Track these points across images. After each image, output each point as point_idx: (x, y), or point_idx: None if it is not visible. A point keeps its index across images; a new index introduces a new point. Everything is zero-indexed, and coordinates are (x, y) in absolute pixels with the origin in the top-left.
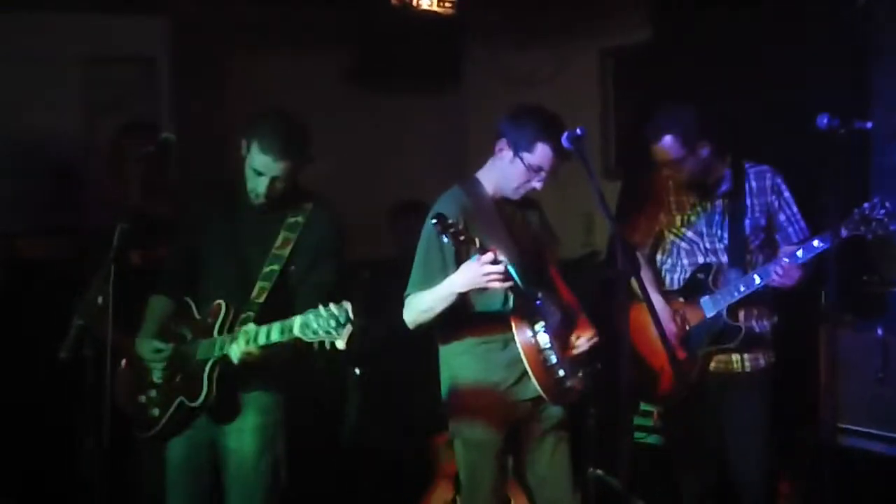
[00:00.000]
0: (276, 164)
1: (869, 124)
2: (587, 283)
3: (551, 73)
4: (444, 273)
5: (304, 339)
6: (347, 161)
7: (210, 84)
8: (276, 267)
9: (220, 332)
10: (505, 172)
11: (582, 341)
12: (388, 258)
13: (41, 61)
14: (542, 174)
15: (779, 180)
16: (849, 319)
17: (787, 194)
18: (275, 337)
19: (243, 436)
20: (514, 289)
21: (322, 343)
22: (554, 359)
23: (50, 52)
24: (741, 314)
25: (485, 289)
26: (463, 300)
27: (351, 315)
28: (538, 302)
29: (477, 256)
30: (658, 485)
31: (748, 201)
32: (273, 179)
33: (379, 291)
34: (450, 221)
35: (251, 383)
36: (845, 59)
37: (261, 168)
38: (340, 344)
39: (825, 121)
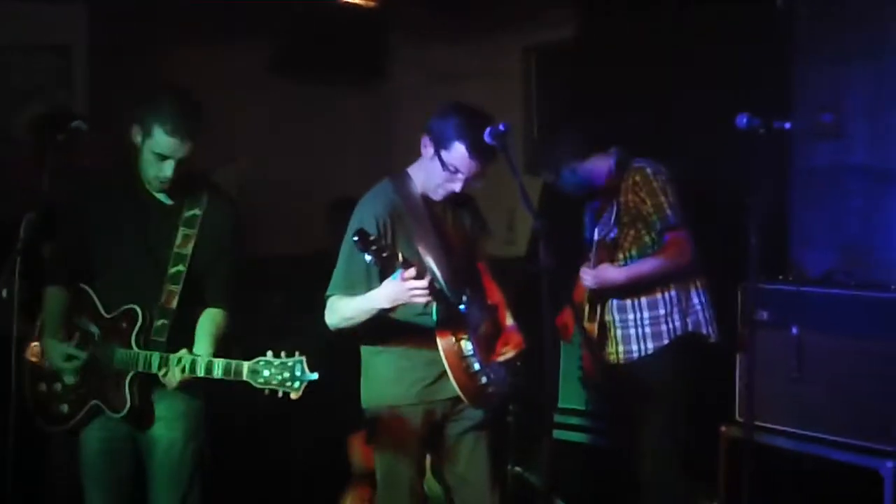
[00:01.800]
0: (183, 146)
1: (788, 125)
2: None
3: (475, 69)
4: (367, 278)
5: (254, 385)
6: (270, 153)
7: (129, 74)
8: (181, 268)
9: (137, 342)
10: (428, 170)
11: (509, 349)
12: (307, 253)
13: None
14: (460, 176)
15: (637, 177)
16: (765, 318)
17: (644, 191)
18: (217, 374)
19: (168, 423)
20: (437, 296)
21: (274, 391)
22: (477, 366)
23: None
24: (605, 307)
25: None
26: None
27: (307, 370)
28: (462, 307)
29: (400, 272)
30: (579, 483)
31: (620, 199)
32: (179, 162)
33: (305, 286)
34: (371, 238)
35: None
36: (769, 58)
37: (167, 151)
38: (294, 395)
39: (745, 120)
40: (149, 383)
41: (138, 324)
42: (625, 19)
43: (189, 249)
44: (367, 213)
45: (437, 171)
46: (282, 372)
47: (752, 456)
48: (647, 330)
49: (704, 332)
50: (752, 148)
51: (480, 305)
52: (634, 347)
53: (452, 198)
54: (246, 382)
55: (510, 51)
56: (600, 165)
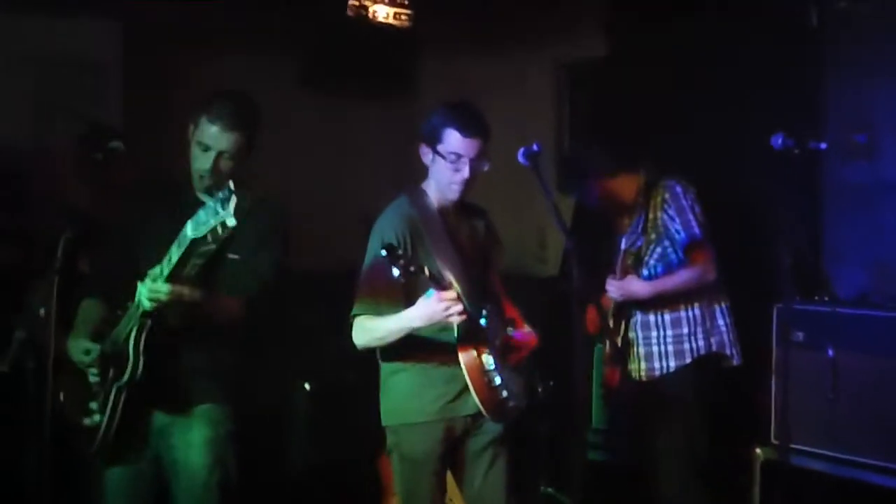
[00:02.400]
0: (223, 136)
1: (823, 145)
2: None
3: (506, 84)
4: (392, 294)
5: (199, 236)
6: (300, 167)
7: (162, 89)
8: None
9: None
10: (435, 175)
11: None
12: (335, 267)
13: None
14: (464, 160)
15: (667, 195)
16: (800, 339)
17: (673, 208)
18: (175, 256)
19: (192, 450)
20: (469, 317)
21: (215, 231)
22: (498, 380)
23: None
24: (629, 323)
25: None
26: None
27: (233, 188)
28: (483, 321)
29: (434, 292)
30: (604, 502)
31: (650, 216)
32: (220, 154)
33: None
34: (399, 252)
35: (202, 394)
36: (800, 76)
37: (208, 141)
38: (230, 220)
39: (780, 141)
40: (160, 341)
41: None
42: (656, 36)
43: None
44: (387, 230)
45: (442, 168)
46: (215, 206)
47: (786, 479)
48: (670, 348)
49: (728, 353)
50: (784, 167)
51: (499, 318)
52: (656, 365)
53: (466, 211)
54: (194, 243)
55: (542, 66)
56: (629, 183)
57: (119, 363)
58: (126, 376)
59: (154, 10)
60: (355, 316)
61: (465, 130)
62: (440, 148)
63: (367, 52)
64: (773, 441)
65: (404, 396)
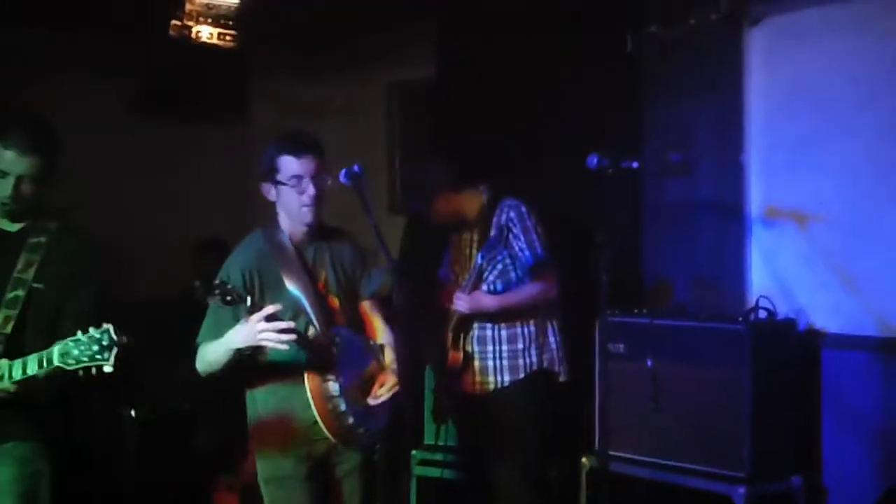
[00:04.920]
0: (22, 160)
1: (635, 164)
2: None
3: (339, 106)
4: (236, 322)
5: (66, 367)
6: (131, 192)
7: None
8: (19, 293)
9: None
10: (283, 205)
11: (383, 391)
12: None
13: None
14: (305, 180)
15: (512, 214)
16: (621, 350)
17: (518, 228)
18: (31, 370)
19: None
20: (298, 340)
21: (88, 370)
22: (343, 406)
23: None
24: (468, 337)
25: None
26: (255, 349)
27: (115, 336)
28: (334, 349)
29: (246, 316)
30: None
31: (493, 234)
32: (19, 179)
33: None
34: (216, 282)
35: (6, 430)
36: (621, 99)
37: (6, 167)
38: (108, 367)
39: (595, 161)
40: None
41: None
42: (483, 58)
43: (30, 275)
44: (234, 265)
45: (288, 195)
46: (90, 346)
47: (608, 485)
48: (506, 363)
49: (556, 370)
50: (605, 186)
51: (357, 346)
52: (491, 379)
53: (328, 237)
54: (59, 370)
55: (373, 88)
56: (472, 200)
57: None
58: None
59: None
60: (198, 345)
61: (298, 152)
62: (280, 177)
63: (197, 74)
64: (596, 449)
65: (264, 421)
